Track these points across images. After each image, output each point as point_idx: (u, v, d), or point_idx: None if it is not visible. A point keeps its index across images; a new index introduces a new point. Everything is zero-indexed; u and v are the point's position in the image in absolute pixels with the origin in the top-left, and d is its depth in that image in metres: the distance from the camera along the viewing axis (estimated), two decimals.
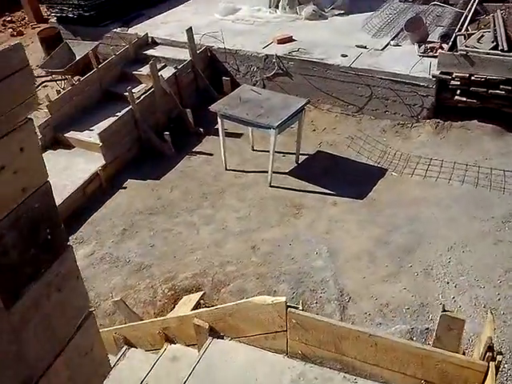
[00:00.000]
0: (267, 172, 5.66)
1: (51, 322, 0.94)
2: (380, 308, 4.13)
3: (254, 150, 6.31)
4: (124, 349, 3.20)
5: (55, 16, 9.17)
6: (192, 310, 3.94)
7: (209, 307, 4.11)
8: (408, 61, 6.45)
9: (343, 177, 5.66)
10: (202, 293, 4.27)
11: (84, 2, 8.60)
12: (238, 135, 6.51)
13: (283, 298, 2.41)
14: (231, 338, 2.68)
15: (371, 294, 4.25)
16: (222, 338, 2.70)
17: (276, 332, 2.46)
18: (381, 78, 6.37)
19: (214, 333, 2.70)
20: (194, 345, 2.88)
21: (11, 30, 10.96)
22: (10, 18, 11.42)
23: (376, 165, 5.80)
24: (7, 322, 0.81)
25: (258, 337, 2.57)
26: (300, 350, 2.48)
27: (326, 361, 2.45)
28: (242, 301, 2.76)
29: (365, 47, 6.93)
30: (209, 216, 5.40)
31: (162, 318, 3.33)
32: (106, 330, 3.53)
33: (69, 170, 6.16)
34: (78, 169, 6.16)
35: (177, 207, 5.56)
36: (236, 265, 4.72)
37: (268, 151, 5.59)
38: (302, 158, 6.02)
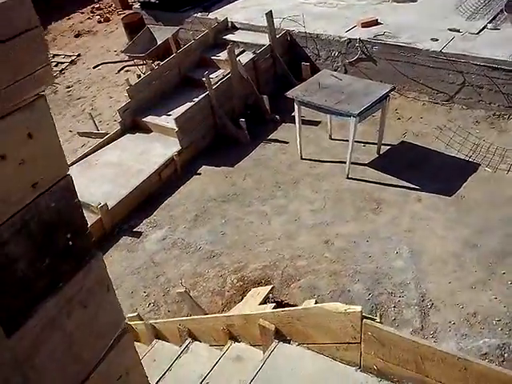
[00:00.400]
0: (345, 162, 5.35)
1: (74, 344, 0.78)
2: (466, 318, 3.73)
3: (331, 139, 6.00)
4: (188, 341, 3.10)
5: (139, 1, 9.31)
6: (260, 304, 3.78)
7: (277, 302, 3.93)
8: (507, 46, 5.80)
9: (429, 171, 5.21)
10: (270, 287, 4.09)
11: None
12: (316, 123, 6.22)
13: (358, 308, 2.15)
14: (298, 344, 2.47)
15: (457, 301, 3.85)
16: (289, 343, 2.50)
17: (348, 343, 2.22)
18: (475, 65, 5.79)
19: (280, 336, 2.50)
20: (258, 345, 2.71)
21: (99, 16, 11.31)
22: (98, 5, 11.80)
23: (467, 159, 5.29)
24: (8, 350, 0.65)
25: (328, 345, 2.34)
26: (375, 364, 2.22)
27: (406, 380, 2.17)
28: (312, 306, 2.54)
29: (458, 31, 6.34)
30: (281, 206, 5.20)
31: (226, 314, 3.19)
32: (170, 320, 3.46)
33: (146, 154, 6.21)
34: (155, 153, 6.19)
35: (249, 196, 5.41)
36: (308, 259, 4.49)
37: (347, 140, 5.27)
38: (384, 149, 5.63)
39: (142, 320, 3.60)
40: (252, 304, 3.74)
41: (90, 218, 5.28)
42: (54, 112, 7.87)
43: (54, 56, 9.85)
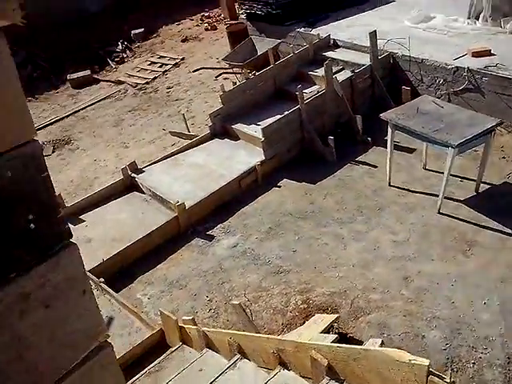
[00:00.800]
0: (437, 196, 4.94)
1: (27, 351, 0.62)
2: None
3: (425, 169, 5.60)
4: (236, 358, 2.92)
5: (245, 12, 9.47)
6: (322, 332, 3.52)
7: (340, 334, 3.65)
8: None
9: None
10: (336, 316, 3.81)
11: (272, 0, 8.70)
12: (410, 150, 5.86)
13: (426, 361, 1.85)
14: None
15: None
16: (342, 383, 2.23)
17: None
18: None
19: (333, 373, 2.24)
20: (308, 378, 2.46)
21: (207, 24, 11.68)
22: (207, 14, 12.20)
23: None
24: None
25: None
26: None
27: None
28: (373, 348, 2.25)
29: None
30: (360, 232, 4.90)
31: (279, 337, 2.97)
32: (223, 331, 3.31)
33: (230, 161, 6.19)
34: (239, 160, 6.16)
35: (327, 216, 5.17)
36: (382, 294, 4.15)
37: (442, 172, 4.87)
38: (483, 188, 5.13)
39: (195, 325, 3.48)
40: (313, 330, 3.49)
41: (167, 215, 5.32)
42: (152, 110, 8.16)
43: (161, 57, 10.27)
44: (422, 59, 6.66)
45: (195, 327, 3.37)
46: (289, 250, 4.81)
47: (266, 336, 2.91)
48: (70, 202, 5.77)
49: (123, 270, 4.79)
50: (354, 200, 5.34)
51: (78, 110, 8.50)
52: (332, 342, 3.30)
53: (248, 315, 3.65)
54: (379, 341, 3.26)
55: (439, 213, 4.91)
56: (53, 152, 7.28)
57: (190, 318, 3.51)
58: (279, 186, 5.77)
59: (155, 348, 3.77)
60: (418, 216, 4.95)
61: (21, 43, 10.41)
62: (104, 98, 8.84)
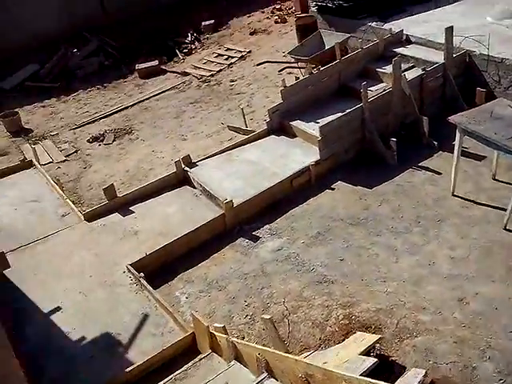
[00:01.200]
0: (505, 210, 4.47)
1: None
2: None
3: (494, 180, 5.10)
4: (263, 376, 2.75)
5: (316, 5, 9.15)
6: (361, 353, 3.25)
7: (381, 357, 3.36)
8: None
9: None
10: (379, 337, 3.51)
11: None
12: (479, 158, 5.37)
13: None
14: None
15: None
16: None
17: None
18: None
19: None
20: None
21: (277, 17, 11.47)
22: (279, 6, 11.99)
23: None
24: None
25: None
26: None
27: None
28: None
29: None
30: (416, 245, 4.53)
31: (307, 360, 2.74)
32: (252, 345, 3.13)
33: (284, 159, 5.99)
34: (293, 159, 5.94)
35: (381, 224, 4.83)
36: (432, 315, 3.79)
37: None
38: None
39: (226, 334, 3.33)
40: (352, 351, 3.24)
41: (215, 212, 5.22)
42: (214, 103, 8.10)
43: (228, 50, 10.20)
44: (502, 59, 6.08)
45: (225, 336, 3.23)
46: (336, 258, 4.54)
47: (295, 358, 2.69)
48: (123, 192, 5.82)
49: (166, 266, 4.75)
50: (412, 209, 4.96)
51: (143, 100, 8.62)
52: (370, 367, 3.04)
53: (278, 333, 3.43)
54: (422, 372, 2.94)
55: (506, 229, 4.45)
56: (113, 141, 7.41)
57: (222, 325, 3.36)
58: (333, 189, 5.48)
59: (186, 351, 3.68)
60: (481, 231, 4.50)
61: (96, 32, 10.77)
62: (168, 89, 8.89)
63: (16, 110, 8.46)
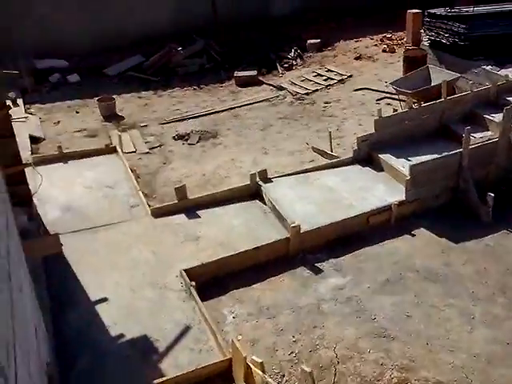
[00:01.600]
0: None
1: None
2: None
3: None
4: None
5: (429, 39, 8.70)
6: None
7: None
8: None
9: None
10: None
11: (463, 31, 7.82)
12: None
13: None
14: None
15: None
16: None
17: None
18: None
19: None
20: None
21: (386, 46, 11.08)
22: (390, 36, 11.59)
23: None
24: None
25: None
26: None
27: None
28: None
29: None
30: (497, 317, 3.98)
31: None
32: None
33: (364, 192, 5.61)
34: (374, 194, 5.55)
35: (461, 286, 4.31)
36: None
37: None
38: None
39: (263, 371, 3.03)
40: None
41: (281, 233, 4.96)
42: (303, 122, 7.87)
43: (328, 71, 9.97)
44: None
45: (261, 374, 2.93)
46: (402, 312, 4.09)
47: None
48: (195, 194, 5.71)
49: (219, 279, 4.54)
50: (499, 275, 4.40)
51: (234, 107, 8.57)
52: None
53: None
54: None
55: None
56: (197, 142, 7.38)
57: (260, 361, 3.06)
58: (413, 235, 5.02)
59: (220, 376, 3.41)
60: None
61: (204, 34, 10.97)
62: (261, 101, 8.80)
63: (113, 96, 8.75)
